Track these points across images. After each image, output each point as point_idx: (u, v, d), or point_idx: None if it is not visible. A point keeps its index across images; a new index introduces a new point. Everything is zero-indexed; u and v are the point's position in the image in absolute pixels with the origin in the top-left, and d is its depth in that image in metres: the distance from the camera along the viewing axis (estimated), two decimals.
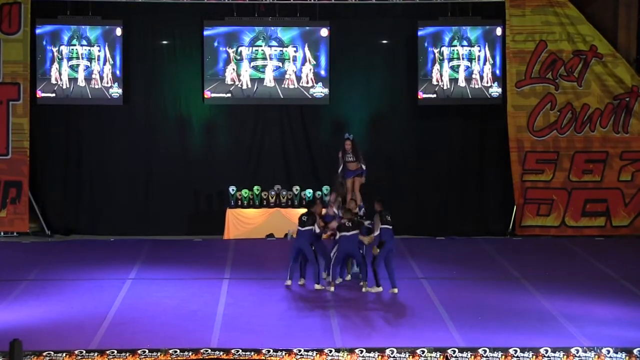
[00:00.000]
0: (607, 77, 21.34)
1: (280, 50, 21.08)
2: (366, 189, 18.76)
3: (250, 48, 21.04)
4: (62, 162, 21.58)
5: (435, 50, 21.12)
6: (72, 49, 20.90)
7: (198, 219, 21.68)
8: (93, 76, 20.95)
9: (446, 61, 21.19)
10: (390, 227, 16.71)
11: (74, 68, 20.93)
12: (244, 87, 21.02)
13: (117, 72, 20.98)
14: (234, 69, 21.01)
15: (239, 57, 21.03)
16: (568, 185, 21.47)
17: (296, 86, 21.08)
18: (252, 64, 21.05)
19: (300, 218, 16.99)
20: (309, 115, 21.77)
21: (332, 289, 16.55)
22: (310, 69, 21.10)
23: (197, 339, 13.70)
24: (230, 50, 20.97)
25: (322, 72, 21.15)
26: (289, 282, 16.85)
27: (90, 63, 20.94)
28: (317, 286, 16.67)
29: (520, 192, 21.40)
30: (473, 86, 21.25)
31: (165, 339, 13.64)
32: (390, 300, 16.16)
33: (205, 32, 20.96)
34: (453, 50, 21.18)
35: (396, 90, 21.75)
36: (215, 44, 20.95)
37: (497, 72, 21.33)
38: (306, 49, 21.10)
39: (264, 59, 21.05)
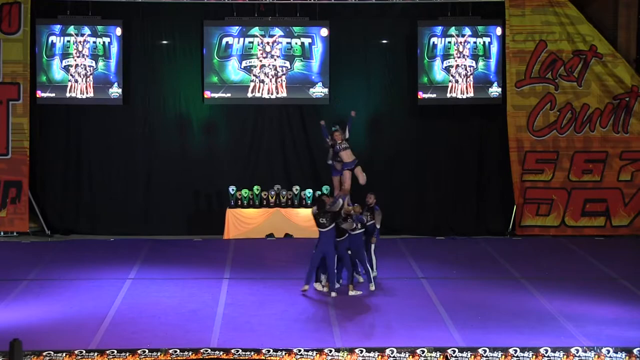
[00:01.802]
0: (607, 77, 21.34)
1: (280, 51, 21.09)
2: (366, 188, 18.73)
3: (248, 49, 21.05)
4: (62, 162, 21.58)
5: (435, 51, 21.14)
6: (72, 49, 20.90)
7: (198, 219, 21.68)
8: (93, 76, 20.96)
9: (444, 62, 21.21)
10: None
11: (74, 68, 20.94)
12: (240, 87, 21.10)
13: (117, 72, 20.98)
14: (224, 73, 21.06)
15: (235, 58, 21.05)
16: (568, 185, 21.47)
17: (294, 89, 21.10)
18: (249, 65, 21.07)
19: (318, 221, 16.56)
20: (309, 115, 21.74)
21: (334, 294, 16.39)
22: (309, 69, 21.13)
23: (197, 339, 13.71)
24: (226, 52, 21.00)
25: (322, 72, 21.14)
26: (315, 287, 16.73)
27: (90, 63, 20.94)
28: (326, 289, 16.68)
29: (520, 192, 21.41)
30: (472, 86, 21.26)
31: (165, 339, 13.65)
32: (390, 300, 16.16)
33: (205, 32, 21.03)
34: (452, 51, 21.19)
35: (396, 90, 21.75)
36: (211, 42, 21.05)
37: (497, 72, 21.32)
38: (306, 49, 21.11)
39: (262, 59, 21.07)
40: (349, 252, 16.53)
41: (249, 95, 21.13)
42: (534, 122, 21.35)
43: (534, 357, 13.07)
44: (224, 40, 21.05)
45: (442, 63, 21.19)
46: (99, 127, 21.56)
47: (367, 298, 16.30)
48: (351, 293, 16.41)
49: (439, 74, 21.19)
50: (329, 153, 18.22)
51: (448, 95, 21.23)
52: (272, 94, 21.10)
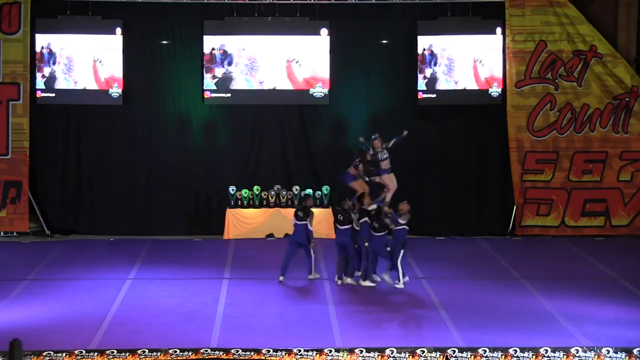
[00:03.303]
0: (606, 77, 21.34)
1: (281, 53, 21.08)
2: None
3: (247, 50, 21.06)
4: (62, 162, 21.58)
5: (435, 51, 21.14)
6: (72, 49, 20.90)
7: (198, 219, 21.68)
8: (93, 76, 20.95)
9: (443, 65, 21.22)
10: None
11: (74, 68, 20.93)
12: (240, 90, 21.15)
13: (117, 72, 20.98)
14: (224, 73, 21.05)
15: (234, 62, 21.06)
16: (567, 185, 21.48)
17: (294, 89, 21.11)
18: (248, 69, 21.09)
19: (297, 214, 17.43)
20: (308, 115, 21.77)
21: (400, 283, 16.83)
22: (309, 70, 21.13)
23: (197, 339, 13.71)
24: (225, 54, 21.01)
25: (322, 72, 21.15)
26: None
27: (90, 63, 20.95)
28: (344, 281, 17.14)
29: (520, 192, 21.41)
30: (472, 87, 21.27)
31: (165, 339, 13.65)
32: (390, 300, 16.17)
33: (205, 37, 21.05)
34: (451, 52, 21.19)
35: (396, 90, 21.75)
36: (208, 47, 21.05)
37: (497, 72, 21.32)
38: (306, 49, 21.11)
39: (261, 63, 21.08)
40: (388, 248, 16.85)
41: (249, 95, 21.14)
42: (534, 122, 21.36)
43: (534, 357, 13.07)
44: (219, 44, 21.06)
45: (440, 65, 21.20)
46: (99, 127, 21.56)
47: (367, 298, 16.30)
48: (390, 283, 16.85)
49: (437, 75, 21.20)
50: (358, 165, 18.17)
51: (449, 95, 21.27)
52: (270, 96, 21.11)
